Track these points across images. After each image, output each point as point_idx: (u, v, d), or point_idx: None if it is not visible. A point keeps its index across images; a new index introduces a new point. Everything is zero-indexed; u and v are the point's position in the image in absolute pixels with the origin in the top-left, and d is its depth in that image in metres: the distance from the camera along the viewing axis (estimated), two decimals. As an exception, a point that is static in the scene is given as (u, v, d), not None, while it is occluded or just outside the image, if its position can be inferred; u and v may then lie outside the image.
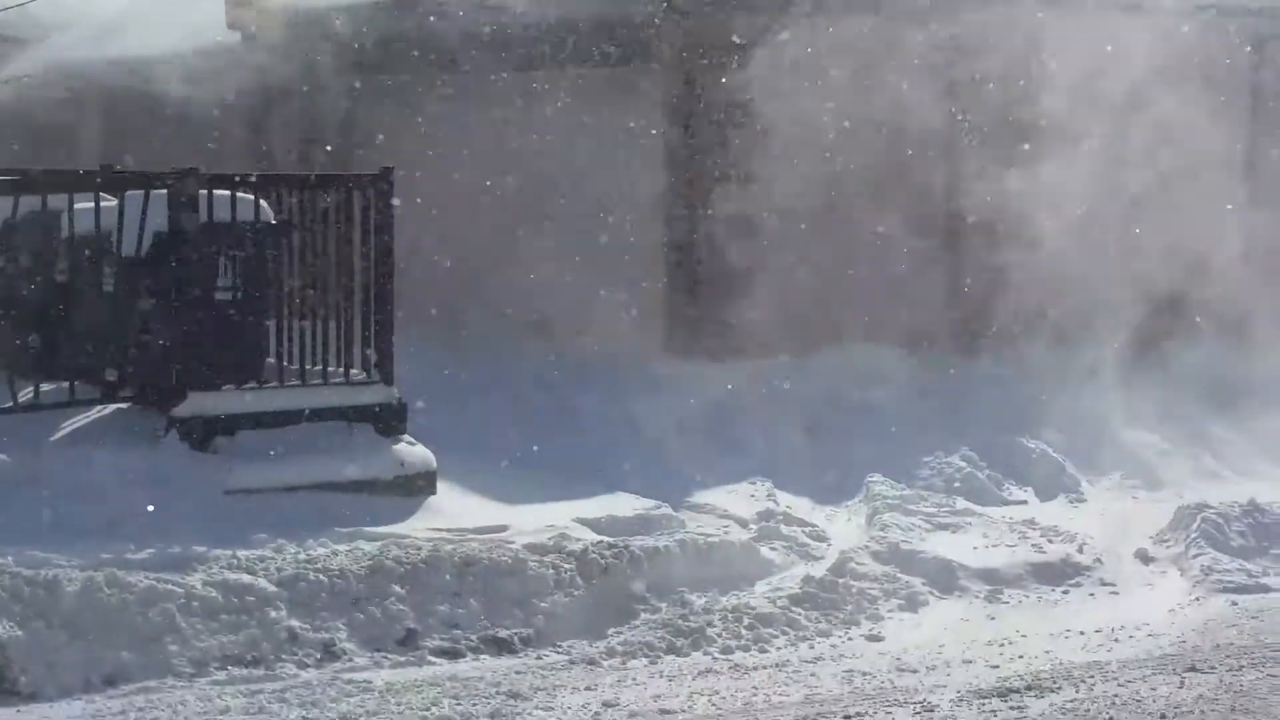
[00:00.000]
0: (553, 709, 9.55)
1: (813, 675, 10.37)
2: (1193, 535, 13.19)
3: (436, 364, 15.51)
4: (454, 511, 12.39)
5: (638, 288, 16.57)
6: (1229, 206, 18.87)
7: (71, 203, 12.41)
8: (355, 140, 18.82)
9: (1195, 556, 13.03)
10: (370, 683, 9.93)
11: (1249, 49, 19.34)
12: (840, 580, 12.00)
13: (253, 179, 12.91)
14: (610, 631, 11.06)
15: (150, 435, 12.14)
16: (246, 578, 10.57)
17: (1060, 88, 17.35)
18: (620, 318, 16.49)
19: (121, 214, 12.38)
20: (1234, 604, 12.31)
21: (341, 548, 11.14)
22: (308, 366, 12.78)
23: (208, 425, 12.09)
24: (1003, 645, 11.10)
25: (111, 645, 9.95)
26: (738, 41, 16.46)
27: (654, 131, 16.79)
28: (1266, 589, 12.67)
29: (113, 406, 12.60)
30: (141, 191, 12.39)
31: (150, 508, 11.21)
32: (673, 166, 16.70)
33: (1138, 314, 18.25)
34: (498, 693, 9.79)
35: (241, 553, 10.83)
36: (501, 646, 10.77)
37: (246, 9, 19.16)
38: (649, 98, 16.81)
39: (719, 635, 11.03)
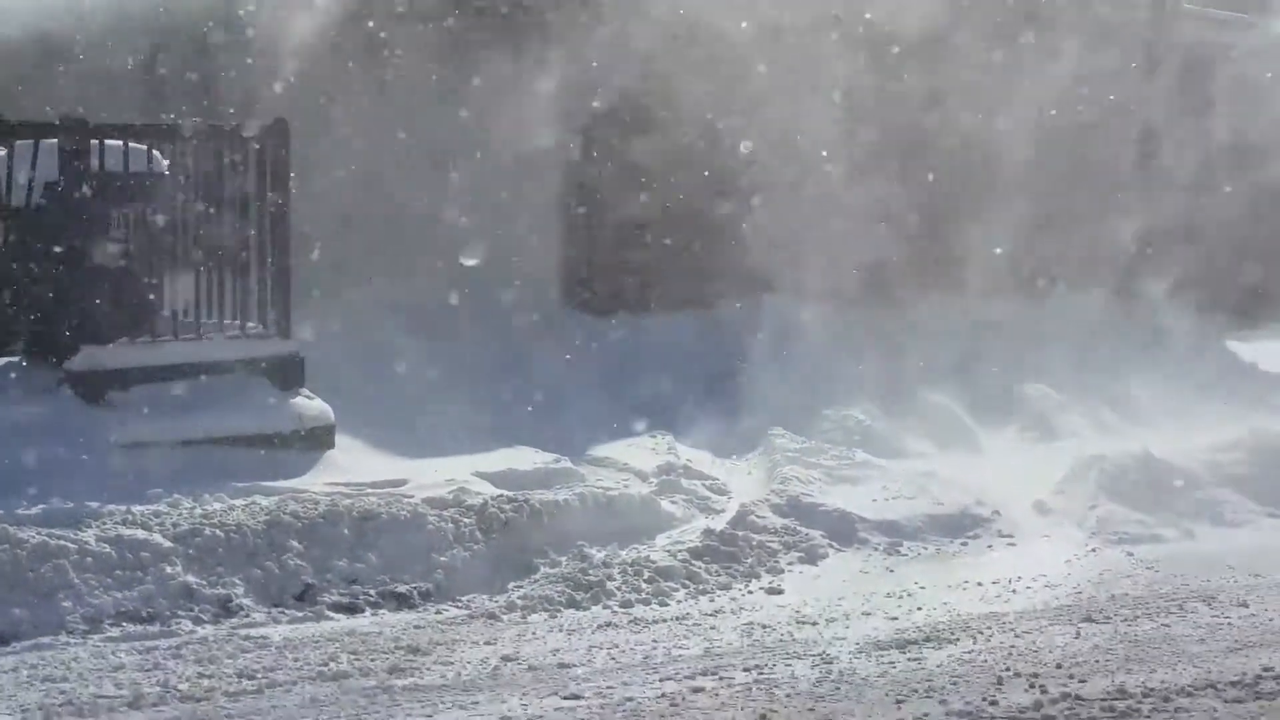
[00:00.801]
0: (452, 663, 9.50)
1: (713, 628, 10.36)
2: (1089, 487, 13.29)
3: (336, 316, 15.36)
4: (352, 466, 12.29)
5: (539, 241, 16.50)
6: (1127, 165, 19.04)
7: (-41, 153, 12.20)
8: (254, 92, 18.56)
9: (1092, 508, 13.13)
10: (267, 638, 9.84)
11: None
12: (740, 533, 12.00)
13: (146, 129, 12.72)
14: (510, 586, 11.02)
15: (43, 388, 11.95)
16: (141, 533, 10.44)
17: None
18: (522, 271, 16.41)
19: (10, 164, 12.18)
20: (1129, 555, 12.42)
21: (238, 502, 11.02)
22: (204, 319, 12.63)
23: (101, 379, 11.91)
24: (901, 597, 11.14)
25: (3, 602, 9.79)
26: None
27: (552, 85, 16.69)
28: (1161, 540, 12.79)
29: (3, 360, 12.41)
30: (31, 141, 12.19)
31: (43, 462, 11.05)
32: (571, 118, 16.61)
33: (1038, 266, 18.40)
34: (397, 647, 9.73)
35: (136, 508, 10.69)
36: (401, 601, 10.70)
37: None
38: (547, 53, 16.71)
39: (619, 589, 11.01)
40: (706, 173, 16.75)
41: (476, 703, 8.79)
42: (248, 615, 10.22)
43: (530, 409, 14.38)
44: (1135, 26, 19.36)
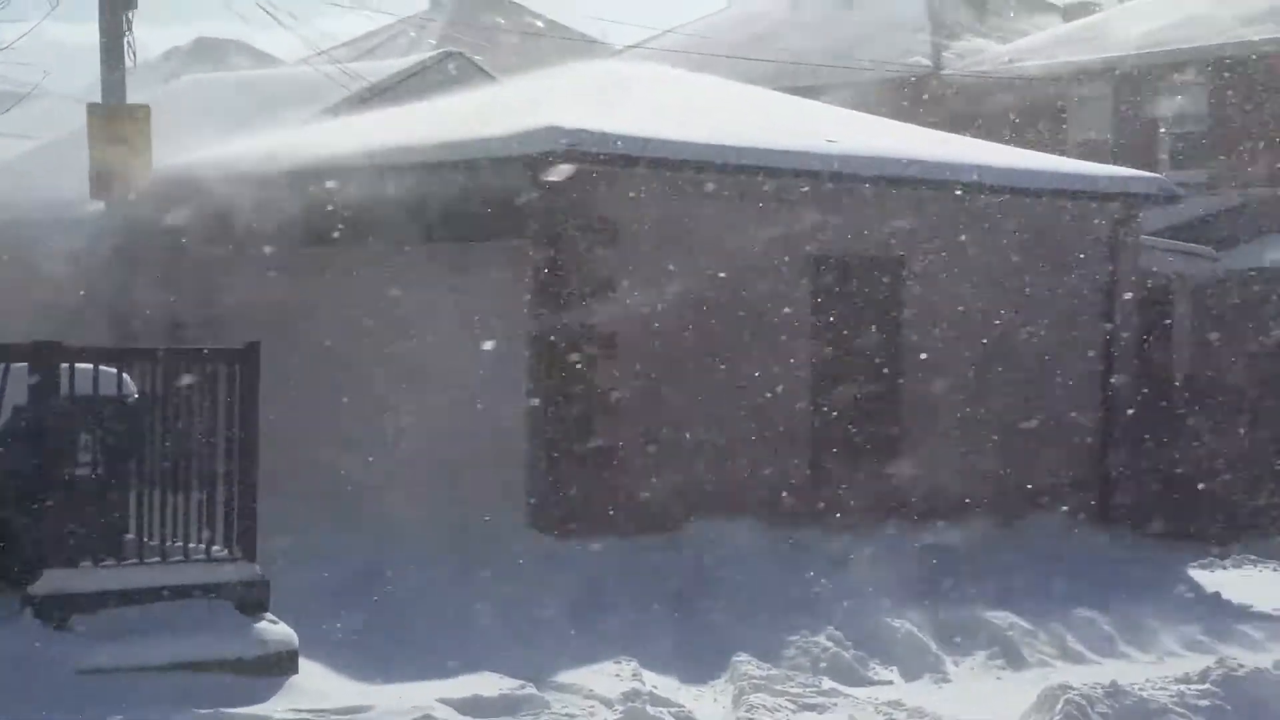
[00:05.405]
0: None
1: None
2: (1056, 718, 13.19)
3: (303, 533, 15.34)
4: (316, 691, 12.15)
5: (503, 463, 16.54)
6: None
7: (-72, 374, 12.18)
8: (224, 309, 18.70)
9: (1060, 738, 13.01)
10: None
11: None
12: (707, 763, 11.89)
13: (116, 352, 12.75)
14: (475, 817, 10.89)
15: (4, 612, 11.83)
16: (101, 763, 10.30)
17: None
18: (486, 493, 16.43)
19: (-20, 386, 12.17)
20: (1098, 788, 12.32)
21: (200, 730, 10.91)
22: (169, 542, 12.56)
23: (64, 603, 11.80)
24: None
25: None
26: (602, 217, 16.66)
27: (521, 304, 16.86)
28: (1129, 772, 12.70)
29: (-36, 582, 12.29)
30: (1, 364, 12.19)
31: (3, 689, 10.91)
32: (539, 339, 16.75)
33: (999, 488, 18.50)
34: None
35: (97, 737, 10.57)
36: (362, 834, 10.56)
37: (112, 179, 19.06)
38: (517, 271, 16.89)
39: (585, 821, 10.88)
40: (669, 398, 16.88)
41: None
42: None
43: (495, 632, 14.27)
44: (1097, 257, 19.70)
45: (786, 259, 17.68)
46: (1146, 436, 20.45)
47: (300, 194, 17.65)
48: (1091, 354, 19.52)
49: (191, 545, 12.63)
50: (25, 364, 12.07)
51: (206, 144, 19.82)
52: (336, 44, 35.07)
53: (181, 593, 12.25)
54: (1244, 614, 17.06)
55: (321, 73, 23.06)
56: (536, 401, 16.66)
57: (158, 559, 12.42)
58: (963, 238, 18.69)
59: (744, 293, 17.38)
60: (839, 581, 16.12)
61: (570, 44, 37.57)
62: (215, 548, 12.65)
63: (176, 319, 18.89)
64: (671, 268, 16.95)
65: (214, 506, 12.66)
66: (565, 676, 13.45)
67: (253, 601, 12.53)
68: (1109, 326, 19.66)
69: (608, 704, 12.92)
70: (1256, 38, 28.00)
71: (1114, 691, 13.61)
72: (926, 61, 32.16)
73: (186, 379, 12.64)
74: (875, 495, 18.01)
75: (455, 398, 16.93)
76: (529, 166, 16.59)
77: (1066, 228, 19.45)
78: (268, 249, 18.27)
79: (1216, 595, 17.62)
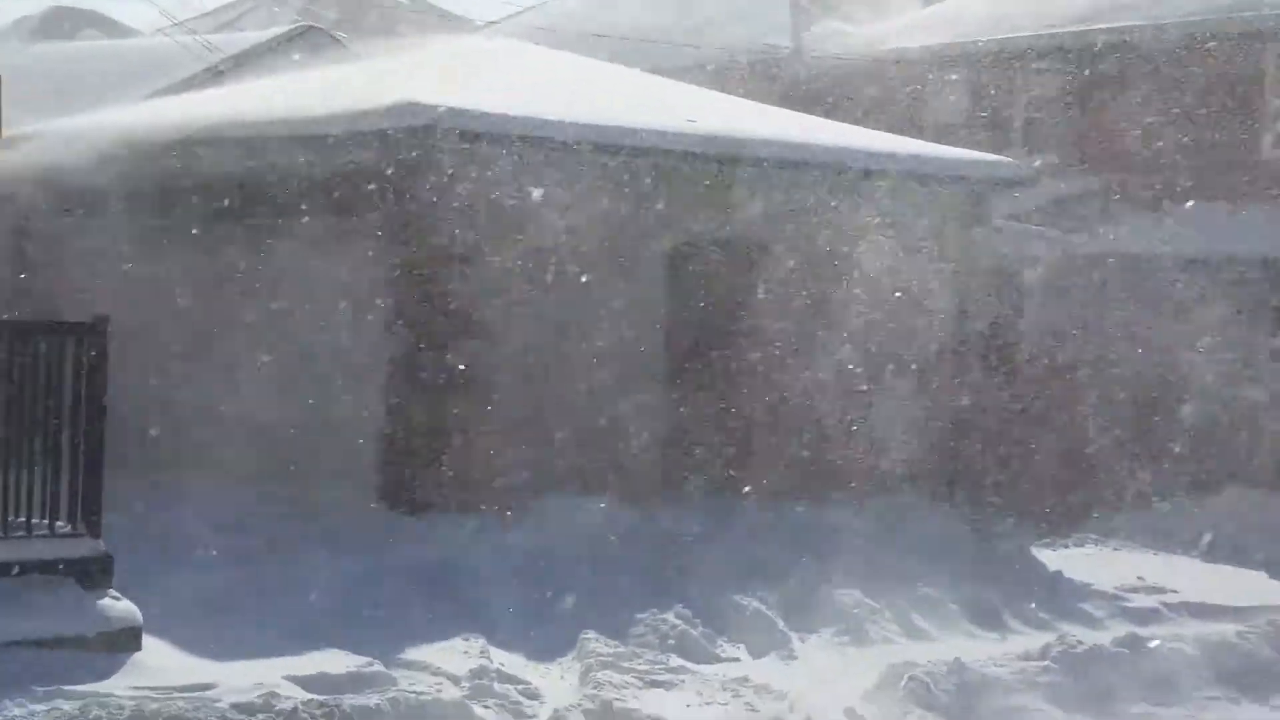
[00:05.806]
0: None
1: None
2: (900, 694, 13.40)
3: (148, 507, 15.22)
4: (160, 668, 12.09)
5: (354, 439, 16.49)
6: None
7: None
8: (77, 283, 18.49)
9: (904, 715, 13.22)
10: None
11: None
12: (552, 740, 11.95)
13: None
14: (318, 794, 10.87)
15: None
16: (-64, 741, 10.21)
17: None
18: (336, 468, 16.38)
19: None
20: (939, 763, 12.53)
21: (40, 708, 10.82)
22: (10, 517, 12.41)
23: (-100, 580, 11.67)
24: (712, 806, 11.12)
25: None
26: (459, 194, 16.62)
27: (377, 281, 16.80)
28: (967, 748, 12.92)
29: None
30: None
31: None
32: (391, 317, 16.70)
33: (847, 469, 18.68)
34: None
35: (-68, 714, 10.46)
36: (205, 811, 10.52)
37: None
38: (373, 248, 16.84)
39: (429, 797, 10.90)
40: (521, 374, 16.90)
41: None
42: (46, 825, 9.98)
43: (342, 608, 14.23)
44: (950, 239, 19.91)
45: (643, 238, 17.74)
46: (994, 418, 20.72)
47: (154, 167, 17.48)
48: (934, 335, 19.70)
49: (34, 521, 12.51)
50: None
51: (58, 114, 19.58)
52: (195, 15, 34.73)
53: (23, 569, 12.13)
54: (1084, 592, 17.37)
55: (179, 44, 22.84)
56: (390, 378, 16.62)
57: (-1, 533, 12.29)
58: (818, 219, 18.82)
59: (601, 271, 17.42)
60: (689, 560, 16.21)
61: (431, 19, 37.43)
62: (59, 523, 12.52)
63: (27, 292, 18.65)
64: (529, 246, 16.96)
65: (58, 482, 12.53)
66: (413, 653, 13.45)
67: (96, 578, 12.43)
68: (961, 309, 19.87)
69: (455, 681, 12.94)
70: (1106, 25, 28.37)
71: (957, 668, 13.88)
72: (786, 43, 32.30)
73: (32, 351, 12.50)
74: (728, 476, 18.12)
75: (310, 374, 16.86)
76: (387, 143, 16.53)
77: (920, 210, 19.63)
78: (121, 222, 18.07)
79: (1059, 574, 17.91)
